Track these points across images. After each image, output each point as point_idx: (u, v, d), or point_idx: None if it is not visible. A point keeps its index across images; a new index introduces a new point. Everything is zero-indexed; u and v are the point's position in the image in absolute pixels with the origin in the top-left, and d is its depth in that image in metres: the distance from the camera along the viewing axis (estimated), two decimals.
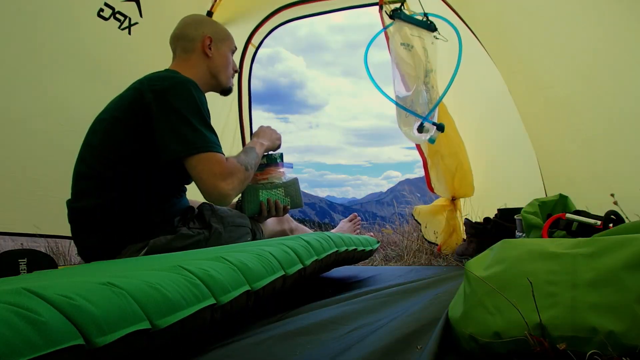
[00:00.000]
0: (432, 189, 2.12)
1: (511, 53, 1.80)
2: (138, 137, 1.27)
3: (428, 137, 1.76)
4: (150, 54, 2.10)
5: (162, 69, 1.45)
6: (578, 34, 1.50)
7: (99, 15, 1.91)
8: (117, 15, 1.96)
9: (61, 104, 1.92)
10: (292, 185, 1.65)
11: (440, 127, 1.74)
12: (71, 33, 1.89)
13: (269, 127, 1.66)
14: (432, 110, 1.77)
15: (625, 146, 1.48)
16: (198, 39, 1.46)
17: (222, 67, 1.52)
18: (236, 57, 2.27)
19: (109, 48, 2.01)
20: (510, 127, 1.92)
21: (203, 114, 1.30)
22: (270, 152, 1.65)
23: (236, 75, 1.62)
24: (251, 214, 1.58)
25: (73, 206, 1.31)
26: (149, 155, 1.28)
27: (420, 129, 1.75)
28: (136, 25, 2.04)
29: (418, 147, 2.09)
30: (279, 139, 1.66)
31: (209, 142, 1.28)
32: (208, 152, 1.26)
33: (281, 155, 1.66)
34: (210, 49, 1.47)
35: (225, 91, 1.58)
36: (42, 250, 1.82)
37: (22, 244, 1.91)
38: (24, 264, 1.36)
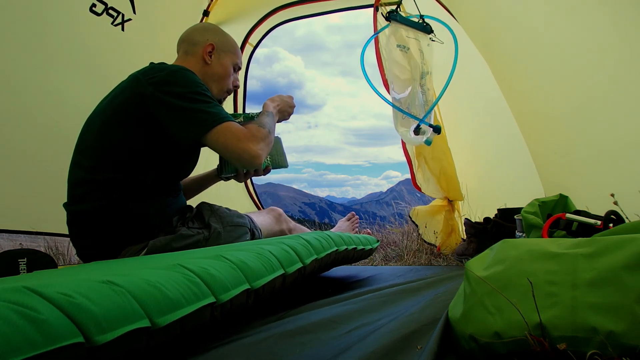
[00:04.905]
0: (417, 187, 2.12)
1: (500, 60, 1.81)
2: (136, 136, 1.26)
3: (424, 139, 1.76)
4: (143, 50, 2.10)
5: None
6: (567, 45, 1.49)
7: (92, 11, 1.90)
8: (110, 11, 1.96)
9: (57, 100, 1.91)
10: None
11: (436, 129, 1.74)
12: (63, 28, 1.87)
13: (283, 96, 1.62)
14: (429, 112, 1.78)
15: (625, 148, 1.48)
16: (201, 44, 1.46)
17: (218, 77, 1.49)
18: None
19: (102, 44, 2.00)
20: (508, 127, 1.92)
21: (206, 93, 1.30)
22: (249, 112, 1.59)
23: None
24: (228, 173, 1.55)
25: (71, 209, 1.29)
26: (145, 154, 1.28)
27: (417, 131, 1.75)
28: (130, 22, 2.03)
29: (404, 146, 2.09)
30: (293, 108, 1.64)
31: (222, 114, 1.28)
32: (224, 123, 1.27)
33: (259, 113, 1.57)
34: (210, 56, 1.46)
35: None
36: (42, 250, 1.82)
37: (20, 244, 1.91)
38: (24, 264, 1.36)
